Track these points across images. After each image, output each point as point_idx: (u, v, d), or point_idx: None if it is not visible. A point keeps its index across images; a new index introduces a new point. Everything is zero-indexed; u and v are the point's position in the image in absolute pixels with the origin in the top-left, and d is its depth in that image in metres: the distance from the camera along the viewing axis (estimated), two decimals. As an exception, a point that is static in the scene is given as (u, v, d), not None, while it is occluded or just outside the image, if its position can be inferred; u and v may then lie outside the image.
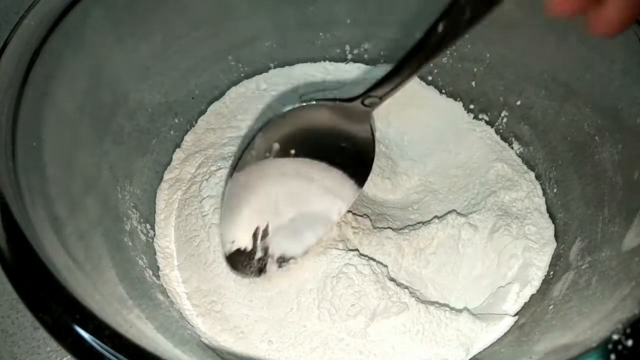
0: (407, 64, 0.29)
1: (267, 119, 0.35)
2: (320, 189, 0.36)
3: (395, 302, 0.36)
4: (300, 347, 0.36)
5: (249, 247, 0.36)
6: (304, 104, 0.34)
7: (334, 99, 0.34)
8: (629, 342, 0.23)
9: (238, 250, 0.36)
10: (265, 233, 0.36)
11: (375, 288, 0.36)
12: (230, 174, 0.35)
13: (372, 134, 0.35)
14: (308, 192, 0.36)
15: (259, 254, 0.36)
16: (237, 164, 0.35)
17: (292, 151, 0.36)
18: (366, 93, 0.32)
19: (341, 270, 0.37)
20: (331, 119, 0.34)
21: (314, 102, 0.34)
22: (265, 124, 0.35)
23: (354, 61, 0.52)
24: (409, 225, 0.42)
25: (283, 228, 0.36)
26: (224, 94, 0.49)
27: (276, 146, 0.35)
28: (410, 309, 0.36)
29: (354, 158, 0.36)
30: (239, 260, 0.36)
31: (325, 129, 0.35)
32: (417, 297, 0.37)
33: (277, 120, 0.34)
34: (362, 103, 0.32)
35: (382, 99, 0.32)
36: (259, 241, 0.36)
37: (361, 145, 0.35)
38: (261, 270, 0.36)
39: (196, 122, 0.48)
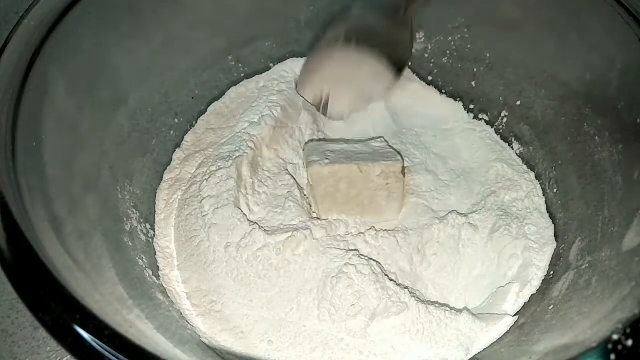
0: None
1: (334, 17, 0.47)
2: (369, 74, 0.47)
3: (395, 302, 0.36)
4: (300, 347, 0.36)
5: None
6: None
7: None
8: (629, 342, 0.23)
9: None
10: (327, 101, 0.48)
11: (375, 288, 0.36)
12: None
13: (412, 33, 0.47)
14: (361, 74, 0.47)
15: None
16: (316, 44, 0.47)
17: (354, 39, 0.45)
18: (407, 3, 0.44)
19: (341, 270, 0.37)
20: (382, 23, 0.45)
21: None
22: (335, 20, 0.47)
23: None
24: (409, 225, 0.42)
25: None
26: (224, 94, 0.49)
27: (341, 37, 0.46)
28: (410, 309, 0.36)
29: (396, 54, 0.47)
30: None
31: (377, 30, 0.46)
32: (417, 297, 0.37)
33: (341, 17, 0.46)
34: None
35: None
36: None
37: (401, 45, 0.47)
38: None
39: (196, 122, 0.48)
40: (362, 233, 0.40)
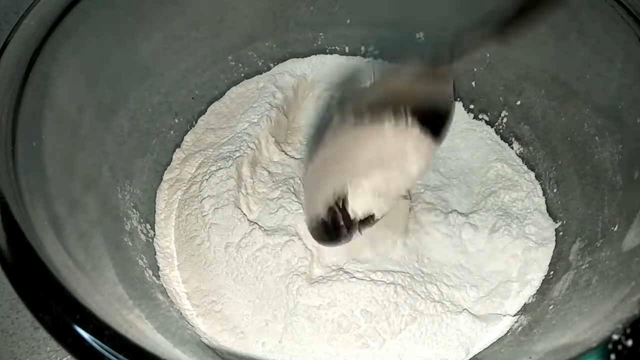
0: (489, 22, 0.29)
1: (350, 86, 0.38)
2: (397, 152, 0.35)
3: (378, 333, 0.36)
4: (300, 347, 0.36)
5: (332, 218, 0.36)
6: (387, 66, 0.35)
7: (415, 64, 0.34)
8: (629, 342, 0.23)
9: (322, 222, 0.36)
10: (346, 200, 0.35)
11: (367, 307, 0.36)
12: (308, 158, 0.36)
13: (453, 91, 0.35)
14: (385, 154, 0.35)
15: (342, 221, 0.35)
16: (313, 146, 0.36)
17: (367, 120, 0.34)
18: (455, 53, 0.32)
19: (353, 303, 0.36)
20: (411, 81, 0.34)
21: (399, 66, 0.34)
22: (350, 92, 0.37)
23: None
24: (409, 225, 0.42)
25: (363, 193, 0.35)
26: (224, 94, 0.49)
27: (351, 119, 0.35)
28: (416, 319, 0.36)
29: (432, 119, 0.34)
30: (323, 232, 0.37)
31: (405, 91, 0.34)
32: (420, 297, 0.37)
33: (361, 88, 0.35)
34: (443, 62, 0.33)
35: (461, 56, 0.32)
36: (340, 209, 0.35)
37: (440, 107, 0.35)
38: (347, 236, 0.36)
39: (196, 122, 0.48)
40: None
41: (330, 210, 0.35)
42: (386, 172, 0.34)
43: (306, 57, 0.51)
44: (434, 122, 0.34)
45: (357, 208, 0.35)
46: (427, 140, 0.34)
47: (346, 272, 0.37)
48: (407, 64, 0.34)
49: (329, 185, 0.35)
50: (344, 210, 0.35)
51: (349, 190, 0.35)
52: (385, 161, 0.34)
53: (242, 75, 0.50)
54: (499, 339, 0.37)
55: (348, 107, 0.35)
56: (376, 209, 0.35)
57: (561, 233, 0.41)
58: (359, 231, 0.35)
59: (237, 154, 0.43)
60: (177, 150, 0.46)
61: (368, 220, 0.35)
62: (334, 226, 0.36)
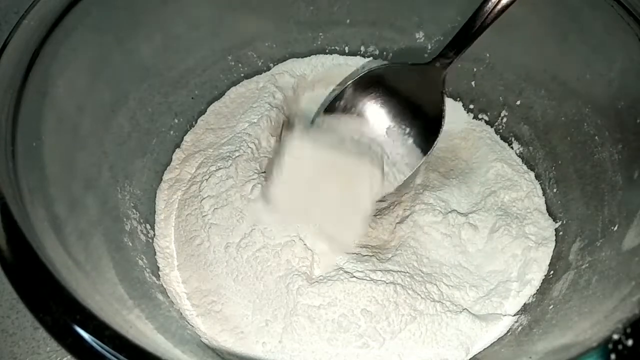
0: (476, 19, 0.34)
1: (355, 78, 0.41)
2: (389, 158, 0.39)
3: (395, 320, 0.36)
4: (299, 347, 0.36)
5: None
6: (388, 65, 0.39)
7: (411, 63, 0.38)
8: (629, 342, 0.23)
9: None
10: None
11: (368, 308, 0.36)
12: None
13: (442, 93, 0.38)
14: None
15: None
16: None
17: (367, 110, 0.39)
18: (440, 55, 0.37)
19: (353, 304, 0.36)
20: (407, 81, 0.38)
21: (397, 64, 0.38)
22: (354, 81, 0.40)
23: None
24: (409, 225, 0.42)
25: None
26: (223, 94, 0.49)
27: (355, 104, 0.39)
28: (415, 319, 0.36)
29: (422, 123, 0.39)
30: None
31: (400, 90, 0.38)
32: (420, 297, 0.37)
33: (363, 78, 0.39)
34: (435, 64, 0.37)
35: (455, 57, 0.37)
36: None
37: (430, 108, 0.39)
38: None
39: (196, 122, 0.48)
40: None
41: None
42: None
43: (306, 57, 0.51)
44: (424, 132, 0.39)
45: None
46: (418, 151, 0.39)
47: (346, 272, 0.37)
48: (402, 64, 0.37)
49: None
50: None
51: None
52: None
53: (242, 75, 0.50)
54: (499, 338, 0.37)
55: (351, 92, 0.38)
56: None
57: (561, 233, 0.41)
58: None
59: (237, 154, 0.43)
60: (177, 150, 0.46)
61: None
62: None
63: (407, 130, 0.40)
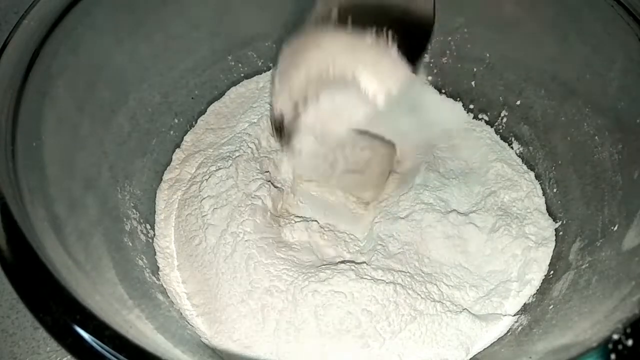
0: None
1: None
2: (371, 70, 0.33)
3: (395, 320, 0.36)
4: (299, 346, 0.36)
5: (292, 116, 0.35)
6: None
7: None
8: (629, 342, 0.23)
9: (282, 117, 0.35)
10: (306, 102, 0.34)
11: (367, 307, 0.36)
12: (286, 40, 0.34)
13: (434, 10, 0.33)
14: (358, 71, 0.34)
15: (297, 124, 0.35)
16: (294, 29, 0.34)
17: (349, 20, 0.33)
18: None
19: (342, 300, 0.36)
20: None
21: None
22: None
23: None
24: (410, 225, 0.42)
25: (327, 102, 0.34)
26: (223, 94, 0.49)
27: (334, 12, 0.33)
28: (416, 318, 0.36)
29: (410, 32, 0.33)
30: (278, 128, 0.36)
31: (388, 4, 0.33)
32: (420, 297, 0.37)
33: None
34: None
35: None
36: (301, 110, 0.35)
37: (419, 19, 0.33)
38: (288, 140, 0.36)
39: (196, 122, 0.48)
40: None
41: (295, 108, 0.34)
42: (355, 87, 0.33)
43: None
44: (412, 46, 0.33)
45: (313, 120, 0.34)
46: (403, 63, 0.33)
47: (346, 271, 0.37)
48: None
49: (299, 83, 0.34)
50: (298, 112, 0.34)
51: (312, 98, 0.34)
52: (357, 73, 0.33)
53: (242, 75, 0.50)
54: (499, 338, 0.37)
55: (330, 4, 0.33)
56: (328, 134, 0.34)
57: (561, 233, 0.41)
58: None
59: (237, 154, 0.43)
60: (177, 150, 0.46)
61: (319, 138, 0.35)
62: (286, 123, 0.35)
63: (390, 35, 0.33)
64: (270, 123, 0.37)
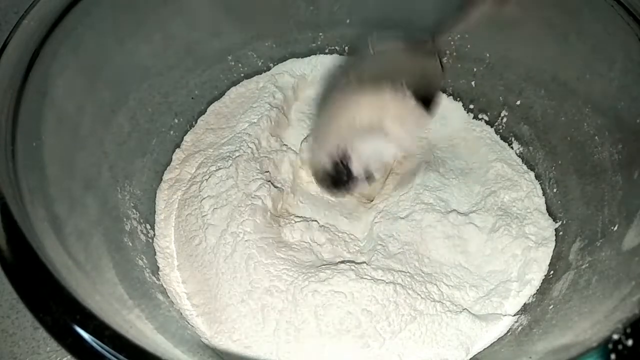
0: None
1: (356, 56, 0.41)
2: (394, 118, 0.39)
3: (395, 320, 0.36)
4: (298, 346, 0.36)
5: (335, 171, 0.41)
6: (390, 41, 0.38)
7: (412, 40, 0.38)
8: (629, 342, 0.23)
9: (326, 174, 0.41)
10: (348, 156, 0.40)
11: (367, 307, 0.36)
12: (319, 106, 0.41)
13: (441, 64, 0.38)
14: (384, 119, 0.39)
15: (344, 176, 0.41)
16: (322, 101, 0.40)
17: (369, 84, 0.38)
18: (437, 32, 0.37)
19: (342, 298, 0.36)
20: (406, 56, 0.38)
21: (398, 41, 0.38)
22: (355, 61, 0.40)
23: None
24: (409, 225, 0.42)
25: (363, 150, 0.40)
26: (223, 94, 0.49)
27: (355, 81, 0.39)
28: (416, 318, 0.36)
29: (424, 88, 0.39)
30: (326, 183, 0.42)
31: (401, 64, 0.38)
32: (420, 297, 0.37)
33: (365, 57, 0.39)
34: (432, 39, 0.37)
35: (449, 32, 0.37)
36: (343, 164, 0.41)
37: (430, 77, 0.38)
38: (348, 189, 0.42)
39: (196, 122, 0.48)
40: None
41: (335, 164, 0.41)
42: (383, 137, 0.39)
43: (306, 57, 0.51)
44: (426, 97, 0.38)
45: (358, 167, 0.40)
46: (421, 111, 0.38)
47: (346, 271, 0.37)
48: (400, 40, 0.38)
49: (333, 142, 0.40)
50: (347, 167, 0.40)
51: (351, 151, 0.40)
52: (383, 126, 0.39)
53: (242, 75, 0.50)
54: (499, 338, 0.37)
55: (352, 74, 0.39)
56: (375, 171, 0.40)
57: (561, 233, 0.41)
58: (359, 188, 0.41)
59: (237, 154, 0.43)
60: (177, 150, 0.46)
61: (369, 178, 0.41)
62: (338, 178, 0.41)
63: (406, 89, 0.39)
64: (309, 171, 0.43)
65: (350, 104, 0.39)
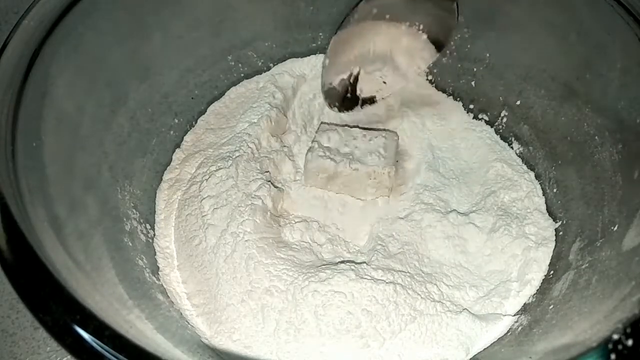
0: None
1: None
2: (404, 51, 0.43)
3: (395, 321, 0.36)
4: (298, 345, 0.36)
5: (343, 88, 0.44)
6: None
7: None
8: (629, 342, 0.23)
9: (334, 89, 0.44)
10: (356, 78, 0.44)
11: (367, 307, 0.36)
12: (335, 32, 0.43)
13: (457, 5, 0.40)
14: (394, 51, 0.43)
15: (349, 94, 0.45)
16: (342, 24, 0.42)
17: (387, 16, 0.41)
18: None
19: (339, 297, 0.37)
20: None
21: None
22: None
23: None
24: (409, 225, 0.42)
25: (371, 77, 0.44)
26: (223, 94, 0.49)
27: (374, 10, 0.41)
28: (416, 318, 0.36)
29: (437, 24, 0.41)
30: (333, 98, 0.45)
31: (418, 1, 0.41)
32: (420, 297, 0.37)
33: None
34: None
35: None
36: (351, 83, 0.44)
37: (444, 17, 0.41)
38: (349, 108, 0.45)
39: (196, 122, 0.48)
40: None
41: (342, 81, 0.44)
42: (392, 64, 0.43)
43: (305, 57, 0.51)
44: (437, 37, 0.42)
45: (363, 87, 0.44)
46: (431, 48, 0.41)
47: (346, 271, 0.37)
48: None
49: (346, 62, 0.43)
50: (353, 84, 0.44)
51: (361, 72, 0.43)
52: (394, 55, 0.43)
53: (242, 75, 0.50)
54: (499, 338, 0.37)
55: (374, 5, 0.41)
56: (378, 93, 0.44)
57: (561, 233, 0.41)
58: (360, 106, 0.45)
59: (237, 154, 0.43)
60: (177, 150, 0.46)
61: (370, 99, 0.44)
62: (343, 95, 0.44)
63: (420, 26, 0.42)
64: (323, 95, 0.45)
65: (366, 33, 0.42)
